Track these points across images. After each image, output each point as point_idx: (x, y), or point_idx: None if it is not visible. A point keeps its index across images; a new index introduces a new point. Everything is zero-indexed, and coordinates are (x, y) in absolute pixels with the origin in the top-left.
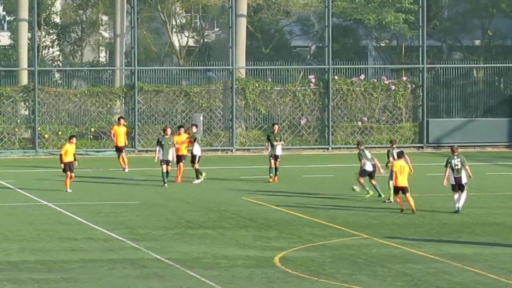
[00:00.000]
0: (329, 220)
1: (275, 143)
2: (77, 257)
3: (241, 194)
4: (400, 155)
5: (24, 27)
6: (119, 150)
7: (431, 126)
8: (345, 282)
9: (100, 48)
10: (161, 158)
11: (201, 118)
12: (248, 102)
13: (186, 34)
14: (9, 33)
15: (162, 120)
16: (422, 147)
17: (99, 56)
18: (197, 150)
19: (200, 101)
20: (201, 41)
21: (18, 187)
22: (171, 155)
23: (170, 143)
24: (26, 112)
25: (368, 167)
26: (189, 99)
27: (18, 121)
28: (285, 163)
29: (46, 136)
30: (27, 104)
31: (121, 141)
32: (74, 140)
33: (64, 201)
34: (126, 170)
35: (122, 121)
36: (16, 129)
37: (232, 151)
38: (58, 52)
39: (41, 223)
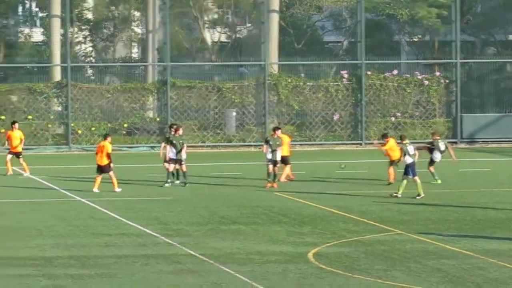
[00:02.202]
0: (362, 216)
1: (277, 149)
2: (111, 252)
3: (274, 189)
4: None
5: (56, 23)
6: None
7: (465, 122)
8: (379, 278)
9: (132, 44)
10: (172, 157)
11: (234, 113)
12: (281, 98)
13: (218, 29)
14: (42, 30)
15: (194, 116)
16: (455, 143)
17: (131, 52)
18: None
19: (233, 96)
20: (233, 36)
21: (51, 183)
22: (184, 154)
23: (181, 141)
24: (59, 108)
25: (408, 161)
26: (222, 95)
27: (51, 117)
28: (318, 159)
29: (79, 132)
30: (60, 100)
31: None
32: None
33: (97, 196)
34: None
35: (16, 125)
36: (49, 125)
37: None
38: (90, 48)
39: (74, 218)
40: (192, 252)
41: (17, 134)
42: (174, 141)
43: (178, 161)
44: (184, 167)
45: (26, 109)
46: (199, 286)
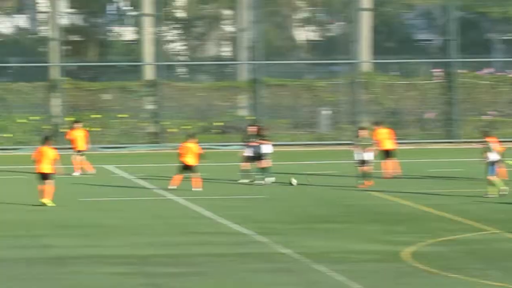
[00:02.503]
0: (458, 215)
1: (365, 149)
2: (206, 251)
3: (369, 188)
4: None
5: (148, 22)
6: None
7: None
8: (476, 277)
9: (224, 42)
10: (249, 155)
11: (326, 112)
12: (373, 96)
13: (310, 28)
14: (133, 28)
15: (287, 115)
16: None
17: (223, 51)
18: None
19: (325, 95)
20: (325, 35)
21: (145, 182)
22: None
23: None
24: (151, 107)
25: (493, 158)
26: (314, 94)
27: (144, 115)
28: (411, 157)
29: (172, 130)
30: (152, 98)
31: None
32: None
33: (192, 195)
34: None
35: (78, 124)
36: (142, 124)
37: None
38: (182, 47)
39: (169, 217)
40: (285, 251)
41: (80, 134)
42: (251, 139)
43: (256, 158)
44: (263, 163)
45: (119, 108)
46: (293, 285)
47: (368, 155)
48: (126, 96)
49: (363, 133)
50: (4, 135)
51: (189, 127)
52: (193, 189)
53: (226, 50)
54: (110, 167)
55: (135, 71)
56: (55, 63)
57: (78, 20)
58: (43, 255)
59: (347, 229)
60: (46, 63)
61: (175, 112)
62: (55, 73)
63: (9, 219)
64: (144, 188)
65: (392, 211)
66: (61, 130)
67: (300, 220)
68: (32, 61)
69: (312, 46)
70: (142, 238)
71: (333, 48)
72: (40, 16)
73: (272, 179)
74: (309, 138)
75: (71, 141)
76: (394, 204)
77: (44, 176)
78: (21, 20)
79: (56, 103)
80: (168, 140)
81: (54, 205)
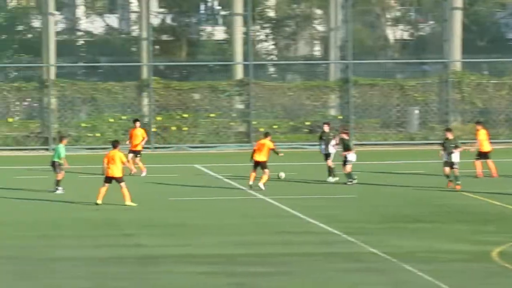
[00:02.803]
0: None
1: (452, 151)
2: (293, 250)
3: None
4: None
5: (238, 21)
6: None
7: None
8: None
9: (314, 41)
10: (323, 152)
11: (416, 111)
12: (464, 96)
13: (401, 27)
14: (224, 28)
15: (377, 114)
16: None
17: (313, 50)
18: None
19: (415, 94)
20: (416, 34)
21: (234, 181)
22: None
23: (330, 137)
24: (241, 106)
25: None
26: (404, 93)
27: (234, 115)
28: (501, 157)
29: (261, 130)
30: (242, 98)
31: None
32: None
33: (280, 195)
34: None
35: (138, 123)
36: (232, 123)
37: None
38: (272, 46)
39: (256, 216)
40: (374, 250)
41: (138, 133)
42: (323, 137)
43: (327, 156)
44: (329, 162)
45: (209, 107)
46: (382, 284)
47: (455, 157)
48: (215, 95)
49: (449, 134)
50: (94, 134)
51: (275, 127)
52: (259, 184)
53: (316, 50)
54: (199, 167)
55: (225, 70)
56: (145, 63)
57: (168, 19)
58: (133, 254)
59: (435, 228)
60: (137, 62)
61: (264, 112)
62: (145, 73)
63: (98, 218)
64: (232, 187)
65: (482, 211)
66: (153, 130)
67: (388, 219)
68: (122, 60)
69: (403, 45)
70: (229, 237)
71: (424, 47)
72: (131, 16)
73: (336, 178)
74: (399, 138)
75: (130, 140)
76: (484, 204)
77: (116, 180)
78: (112, 20)
79: (146, 103)
80: (257, 139)
81: (135, 205)
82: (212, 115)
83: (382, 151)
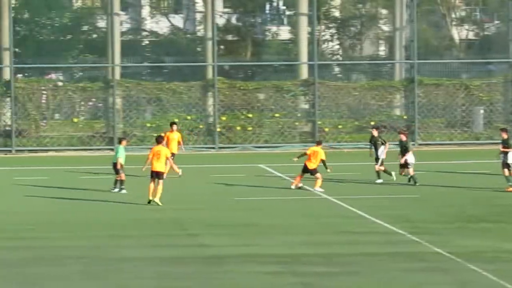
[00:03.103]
0: None
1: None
2: (358, 250)
3: None
4: None
5: (304, 21)
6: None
7: None
8: None
9: (380, 41)
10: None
11: (481, 111)
12: None
13: (466, 27)
14: (289, 28)
15: (442, 114)
16: None
17: (378, 50)
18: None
19: (480, 94)
20: (481, 34)
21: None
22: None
23: (379, 141)
24: (306, 106)
25: None
26: (469, 93)
27: (299, 115)
28: None
29: (326, 129)
30: (307, 98)
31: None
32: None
33: (344, 195)
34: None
35: (175, 127)
36: (297, 123)
37: None
38: (337, 46)
39: (322, 216)
40: (439, 250)
41: (175, 136)
42: (372, 141)
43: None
44: (376, 167)
45: (273, 107)
46: (447, 284)
47: (511, 157)
48: (280, 95)
49: (504, 134)
50: (159, 134)
51: (340, 126)
52: (315, 188)
53: (381, 49)
54: (264, 167)
55: (290, 70)
56: (210, 63)
57: (233, 19)
58: (198, 254)
59: (500, 228)
60: (202, 62)
61: (329, 111)
62: (210, 73)
63: (163, 218)
64: (297, 187)
65: None
66: (218, 130)
67: (454, 219)
68: (187, 60)
69: (468, 45)
70: (294, 237)
71: (489, 47)
72: (196, 16)
73: (380, 180)
74: (464, 137)
75: (167, 143)
76: None
77: (157, 175)
78: (177, 20)
79: (210, 103)
80: (323, 139)
81: (161, 204)
82: (277, 115)
83: (447, 151)
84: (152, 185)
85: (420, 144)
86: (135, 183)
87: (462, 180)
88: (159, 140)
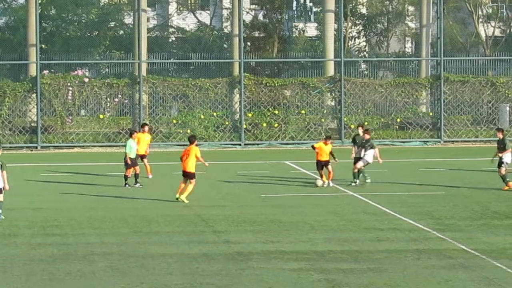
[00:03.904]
0: None
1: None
2: (383, 247)
3: None
4: None
5: (330, 18)
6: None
7: None
8: None
9: (406, 38)
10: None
11: (508, 108)
12: None
13: (493, 24)
14: (316, 24)
15: (468, 111)
16: None
17: (405, 47)
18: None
19: (507, 91)
20: (508, 31)
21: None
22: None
23: (363, 141)
24: (332, 103)
25: None
26: (495, 90)
27: (325, 111)
28: None
29: (352, 126)
30: (333, 94)
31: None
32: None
33: (370, 191)
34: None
35: (146, 128)
36: (323, 120)
37: None
38: (364, 43)
39: (347, 213)
40: (464, 247)
41: (146, 137)
42: (357, 140)
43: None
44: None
45: (300, 104)
46: (472, 281)
47: (507, 157)
48: (307, 92)
49: (500, 134)
50: (185, 130)
51: (366, 123)
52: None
53: (408, 46)
54: (290, 163)
55: (317, 67)
56: (237, 59)
57: (260, 16)
58: (224, 251)
59: None
60: (228, 59)
61: (355, 108)
62: (236, 69)
63: (189, 214)
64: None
65: None
66: (244, 127)
67: (480, 216)
68: (213, 57)
69: (495, 41)
70: (319, 234)
71: None
72: (223, 13)
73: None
74: (490, 135)
75: (137, 144)
76: None
77: (187, 175)
78: (204, 17)
79: (237, 99)
80: (349, 136)
81: (187, 202)
82: (303, 111)
83: (473, 147)
84: (183, 184)
85: (445, 141)
86: (163, 179)
87: (487, 177)
88: (191, 140)
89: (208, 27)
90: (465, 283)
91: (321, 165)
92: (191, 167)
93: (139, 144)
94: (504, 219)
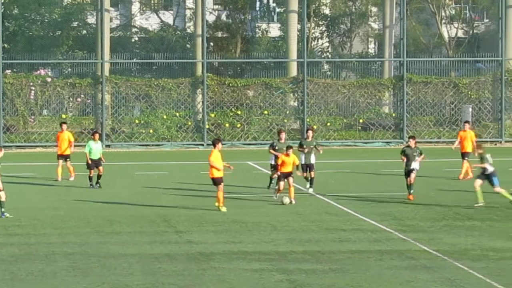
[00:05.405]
0: None
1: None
2: (345, 248)
3: (510, 185)
4: None
5: (294, 18)
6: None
7: None
8: None
9: (369, 39)
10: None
11: (470, 109)
12: None
13: (456, 25)
14: (279, 25)
15: (430, 112)
16: None
17: (368, 48)
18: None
19: (469, 92)
20: (471, 32)
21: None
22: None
23: (284, 148)
24: (295, 103)
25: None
26: (458, 91)
27: (287, 112)
28: None
29: (315, 127)
30: (296, 95)
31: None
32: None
33: (331, 192)
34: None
35: (64, 126)
36: (285, 120)
37: (501, 142)
38: (327, 44)
39: (309, 214)
40: (426, 248)
41: (65, 136)
42: (277, 148)
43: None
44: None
45: (262, 104)
46: (434, 282)
47: (415, 164)
48: (270, 92)
49: (412, 143)
50: (148, 131)
51: (328, 124)
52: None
53: (371, 47)
54: (252, 164)
55: (280, 67)
56: (200, 60)
57: (223, 16)
58: (186, 251)
59: (488, 226)
60: (191, 59)
61: (318, 109)
62: (199, 70)
63: (151, 215)
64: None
65: None
66: (206, 127)
67: (442, 217)
68: (176, 57)
69: (458, 43)
70: (281, 234)
71: (478, 45)
72: (186, 13)
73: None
74: (452, 135)
75: (57, 144)
76: None
77: (215, 181)
78: (167, 17)
79: (199, 100)
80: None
81: (225, 210)
82: (265, 112)
83: (435, 148)
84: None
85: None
86: (126, 179)
87: (449, 177)
88: (214, 143)
89: (171, 27)
90: (427, 284)
91: (284, 176)
92: (211, 173)
93: (61, 143)
94: (466, 220)
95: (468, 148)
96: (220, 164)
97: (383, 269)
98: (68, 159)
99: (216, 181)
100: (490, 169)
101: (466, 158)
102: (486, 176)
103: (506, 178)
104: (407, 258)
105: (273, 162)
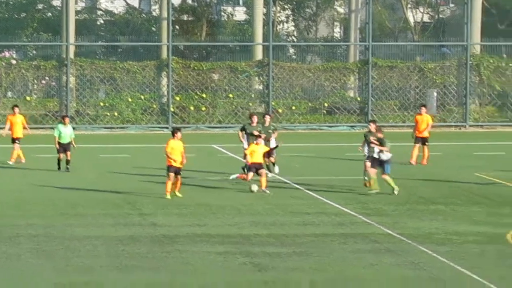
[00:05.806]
0: None
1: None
2: (309, 231)
3: (474, 170)
4: None
5: (259, 2)
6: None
7: None
8: None
9: (335, 23)
10: (245, 147)
11: (435, 94)
12: (482, 79)
13: (421, 9)
14: (244, 8)
15: (395, 96)
16: None
17: (333, 32)
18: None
19: (434, 77)
20: (436, 17)
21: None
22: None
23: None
24: (260, 87)
25: None
26: (423, 75)
27: (252, 95)
28: None
29: (280, 110)
30: (261, 78)
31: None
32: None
33: (297, 176)
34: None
35: (16, 109)
36: (250, 104)
37: (465, 127)
38: (292, 27)
39: (274, 197)
40: (390, 232)
41: (17, 120)
42: (248, 131)
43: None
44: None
45: (227, 88)
46: (397, 265)
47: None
48: (235, 76)
49: (373, 127)
50: (112, 113)
51: (293, 108)
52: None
53: (336, 31)
54: (217, 147)
55: (245, 51)
56: (165, 43)
57: None
58: (150, 233)
59: (452, 210)
60: (156, 42)
61: (283, 93)
62: (164, 53)
63: (115, 198)
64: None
65: (498, 193)
66: (171, 110)
67: (405, 201)
68: (142, 40)
69: (423, 27)
70: (245, 217)
71: (444, 30)
72: None
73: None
74: None
75: (10, 128)
76: (500, 186)
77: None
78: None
79: (164, 83)
80: (277, 120)
81: (181, 196)
82: (230, 95)
83: (400, 132)
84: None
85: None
86: (91, 162)
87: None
88: (173, 133)
89: (137, 10)
90: (391, 267)
91: (254, 168)
92: (179, 162)
93: (14, 126)
94: (430, 204)
95: (425, 132)
96: (177, 156)
97: (347, 252)
98: (17, 142)
99: (171, 170)
100: (386, 156)
101: (426, 143)
102: (380, 163)
103: (470, 163)
104: (370, 241)
105: (246, 147)
